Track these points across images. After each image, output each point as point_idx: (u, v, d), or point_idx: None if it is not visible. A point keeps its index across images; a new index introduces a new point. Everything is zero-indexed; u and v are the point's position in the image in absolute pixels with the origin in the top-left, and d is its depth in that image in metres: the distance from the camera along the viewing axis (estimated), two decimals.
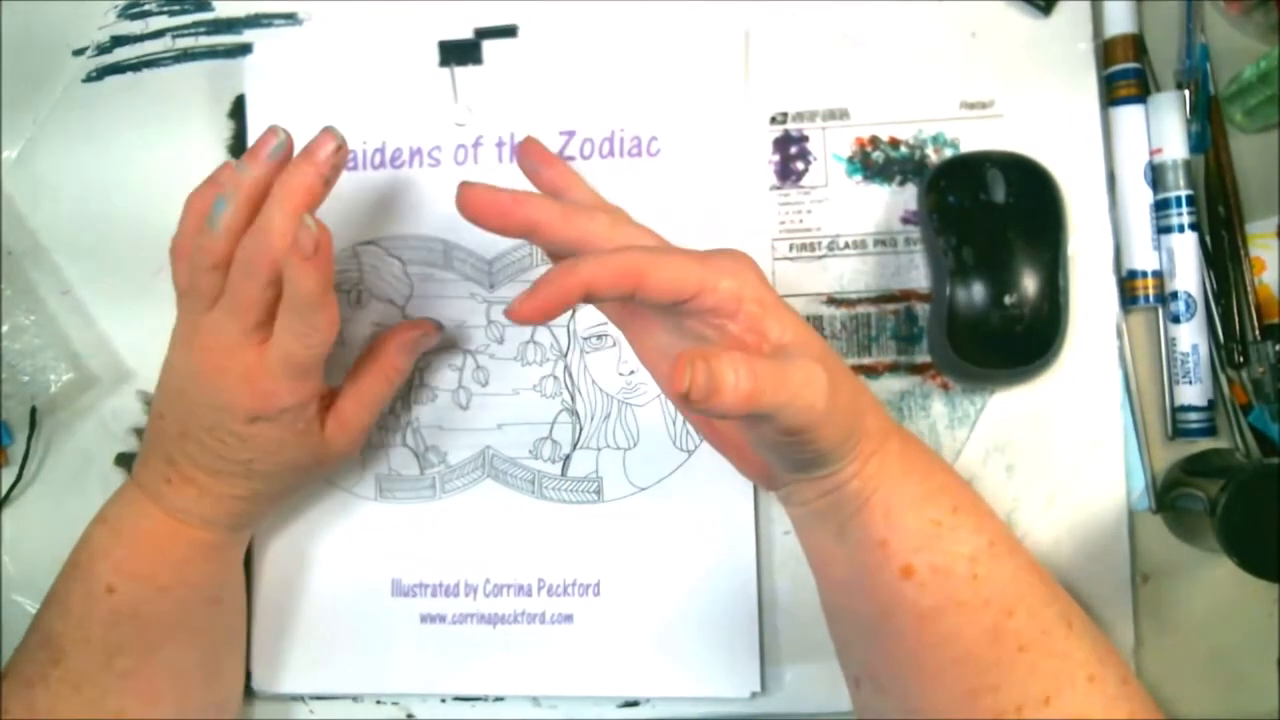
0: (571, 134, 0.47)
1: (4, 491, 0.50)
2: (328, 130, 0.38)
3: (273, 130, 0.39)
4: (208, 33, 0.51)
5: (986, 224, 0.43)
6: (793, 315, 0.36)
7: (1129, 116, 0.45)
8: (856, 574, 0.38)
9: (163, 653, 0.42)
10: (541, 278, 0.33)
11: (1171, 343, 0.44)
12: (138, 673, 0.41)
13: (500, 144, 0.48)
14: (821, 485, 0.37)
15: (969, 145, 0.46)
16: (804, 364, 0.33)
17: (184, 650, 0.43)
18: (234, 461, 0.41)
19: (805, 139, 0.47)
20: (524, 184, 0.47)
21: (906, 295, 0.46)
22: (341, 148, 0.38)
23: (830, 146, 0.47)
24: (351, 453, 0.45)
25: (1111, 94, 0.45)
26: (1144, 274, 0.44)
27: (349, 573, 0.48)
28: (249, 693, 0.48)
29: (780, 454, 0.36)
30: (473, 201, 0.36)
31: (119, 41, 0.51)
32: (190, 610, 0.43)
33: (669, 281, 0.34)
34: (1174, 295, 0.44)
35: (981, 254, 0.43)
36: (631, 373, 0.46)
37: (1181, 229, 0.44)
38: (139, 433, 0.50)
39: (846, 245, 0.46)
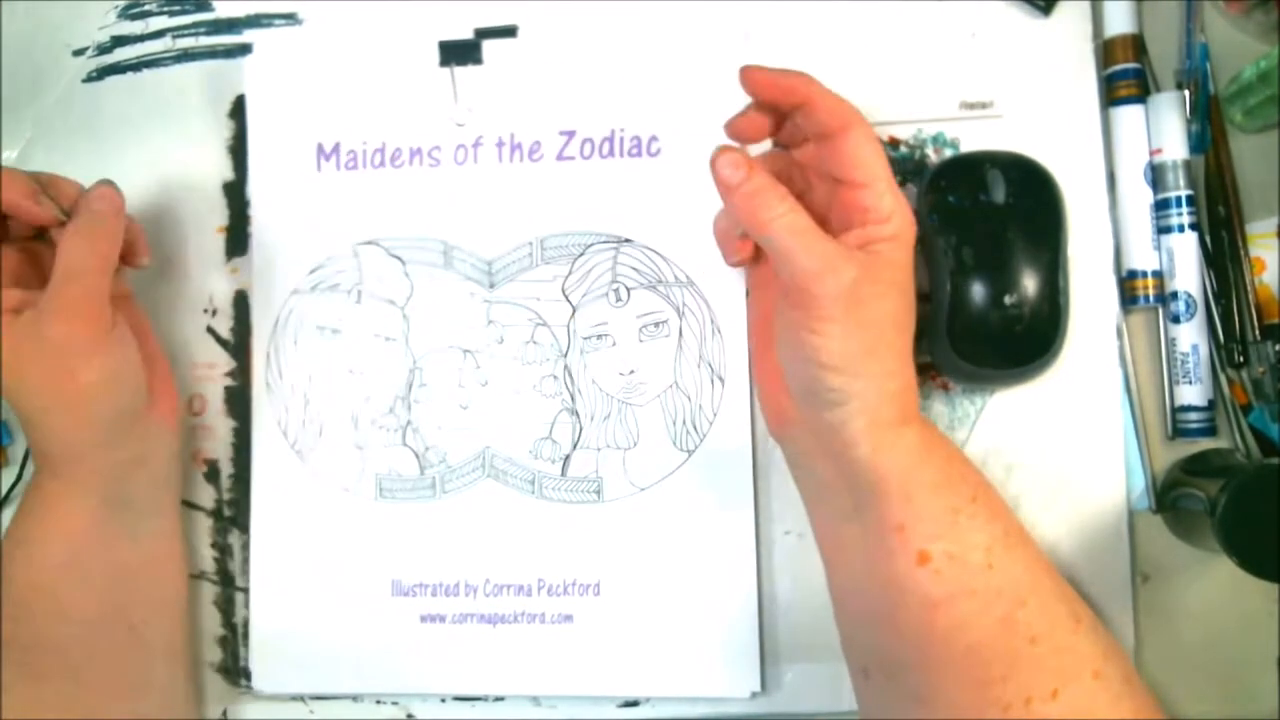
0: (571, 134, 0.47)
1: (4, 491, 0.50)
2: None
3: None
4: (208, 33, 0.51)
5: (986, 224, 0.43)
6: (900, 261, 0.38)
7: (1129, 116, 0.45)
8: (869, 559, 0.38)
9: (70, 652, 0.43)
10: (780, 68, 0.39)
11: (1171, 343, 0.44)
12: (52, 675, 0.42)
13: (500, 144, 0.48)
14: (829, 441, 0.38)
15: (969, 145, 0.46)
16: (845, 255, 0.36)
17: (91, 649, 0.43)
18: (63, 441, 0.42)
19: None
20: (518, 185, 0.48)
21: None
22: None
23: None
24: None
25: (1111, 94, 0.45)
26: (1144, 274, 0.44)
27: (349, 573, 0.48)
28: (250, 692, 0.48)
29: (788, 344, 0.38)
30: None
31: (119, 42, 0.51)
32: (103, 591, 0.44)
33: (858, 154, 0.38)
34: (1174, 295, 0.44)
35: (981, 254, 0.43)
36: (631, 373, 0.46)
37: (1181, 229, 0.44)
38: None
39: None
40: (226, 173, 0.50)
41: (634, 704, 0.46)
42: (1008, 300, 0.42)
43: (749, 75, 0.39)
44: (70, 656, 0.42)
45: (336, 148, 0.49)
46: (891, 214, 0.37)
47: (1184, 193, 0.44)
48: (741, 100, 0.46)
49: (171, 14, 0.51)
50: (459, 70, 0.48)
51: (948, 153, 0.46)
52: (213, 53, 0.51)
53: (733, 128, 0.41)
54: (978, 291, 0.42)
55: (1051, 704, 0.35)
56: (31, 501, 0.43)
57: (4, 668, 0.40)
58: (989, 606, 0.36)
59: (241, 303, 0.49)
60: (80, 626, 0.42)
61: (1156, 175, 0.44)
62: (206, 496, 0.49)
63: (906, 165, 0.46)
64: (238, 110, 0.50)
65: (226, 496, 0.49)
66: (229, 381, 0.49)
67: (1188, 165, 0.44)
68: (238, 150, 0.50)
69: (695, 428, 0.46)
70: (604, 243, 0.47)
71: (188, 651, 0.47)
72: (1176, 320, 0.44)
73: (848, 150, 0.37)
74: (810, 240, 0.36)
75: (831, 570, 0.41)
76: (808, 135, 0.40)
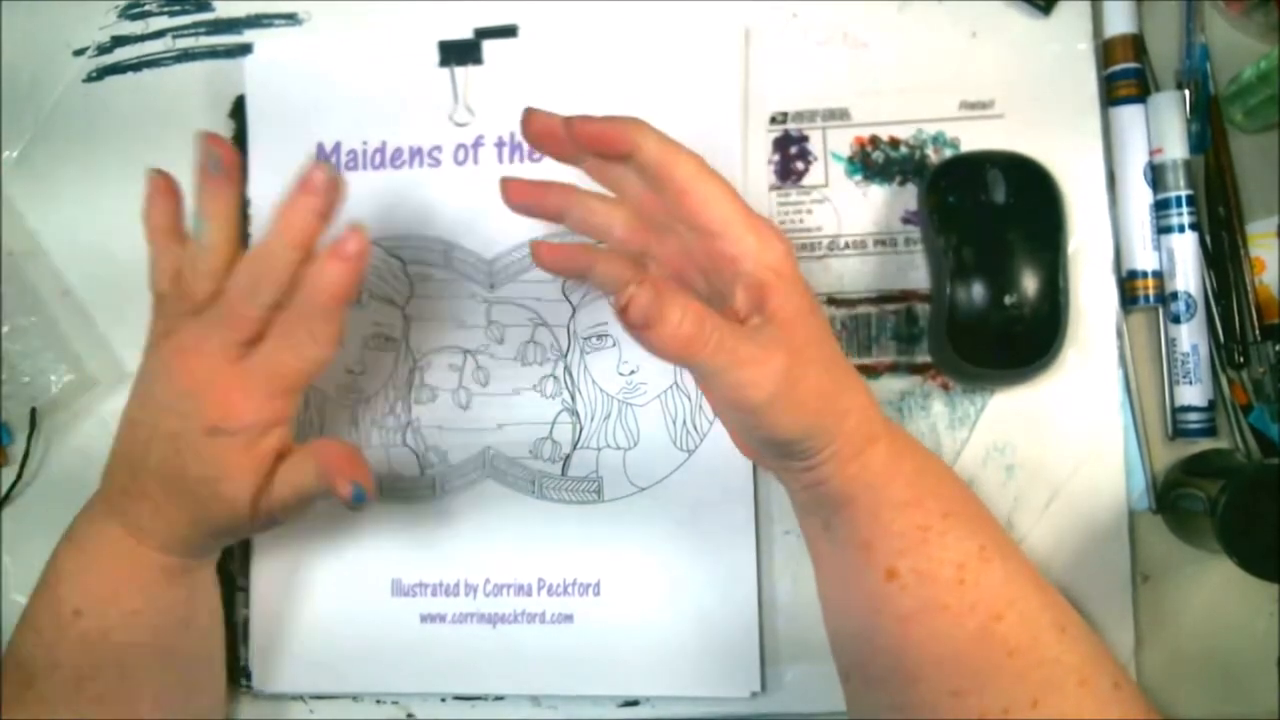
0: None
1: (4, 491, 0.50)
2: (318, 165, 0.37)
3: (206, 142, 0.38)
4: (208, 33, 0.51)
5: (986, 224, 0.43)
6: (800, 299, 0.36)
7: (1129, 116, 0.45)
8: (844, 570, 0.39)
9: (137, 676, 0.41)
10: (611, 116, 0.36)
11: (1171, 343, 0.44)
12: (112, 697, 0.40)
13: (500, 144, 0.48)
14: (800, 479, 0.38)
15: (969, 145, 0.46)
16: (762, 343, 0.34)
17: (159, 672, 0.42)
18: (186, 479, 0.39)
19: (805, 139, 0.47)
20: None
21: (906, 295, 0.46)
22: (334, 181, 0.37)
23: (830, 146, 0.47)
24: (283, 517, 0.41)
25: (1111, 94, 0.45)
26: (1144, 274, 0.44)
27: (349, 572, 0.48)
28: (250, 692, 0.48)
29: (743, 432, 0.38)
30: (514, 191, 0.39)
31: (119, 42, 0.51)
32: (162, 633, 0.42)
33: (710, 201, 0.35)
34: (1174, 295, 0.44)
35: (981, 254, 0.43)
36: (632, 373, 0.46)
37: (1181, 229, 0.44)
38: None
39: (846, 245, 0.46)
40: None
41: (634, 704, 0.46)
42: (1008, 300, 0.42)
43: (581, 129, 0.36)
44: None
45: (336, 148, 0.49)
46: (760, 253, 0.35)
47: (1184, 193, 0.44)
48: (741, 101, 0.47)
49: (171, 14, 0.51)
50: (459, 70, 0.48)
51: (948, 153, 0.46)
52: (213, 53, 0.51)
53: (534, 127, 0.38)
54: (978, 291, 0.42)
55: (1031, 713, 0.35)
56: (107, 547, 0.41)
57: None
58: (961, 621, 0.36)
59: None
60: (130, 656, 0.41)
61: (1156, 175, 0.44)
62: None
63: (906, 165, 0.46)
64: (238, 110, 0.50)
65: None
66: None
67: (1188, 165, 0.44)
68: (238, 150, 0.50)
69: (695, 428, 0.46)
70: (604, 242, 0.47)
71: (223, 662, 0.46)
72: (1176, 320, 0.44)
73: (696, 202, 0.35)
74: (735, 356, 0.33)
75: (816, 576, 0.41)
76: (647, 186, 0.37)
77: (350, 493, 0.38)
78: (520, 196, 0.41)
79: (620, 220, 0.40)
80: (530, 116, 0.38)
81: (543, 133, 0.38)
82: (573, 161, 0.39)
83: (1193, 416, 0.43)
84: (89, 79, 0.51)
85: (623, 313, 0.31)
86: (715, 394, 0.36)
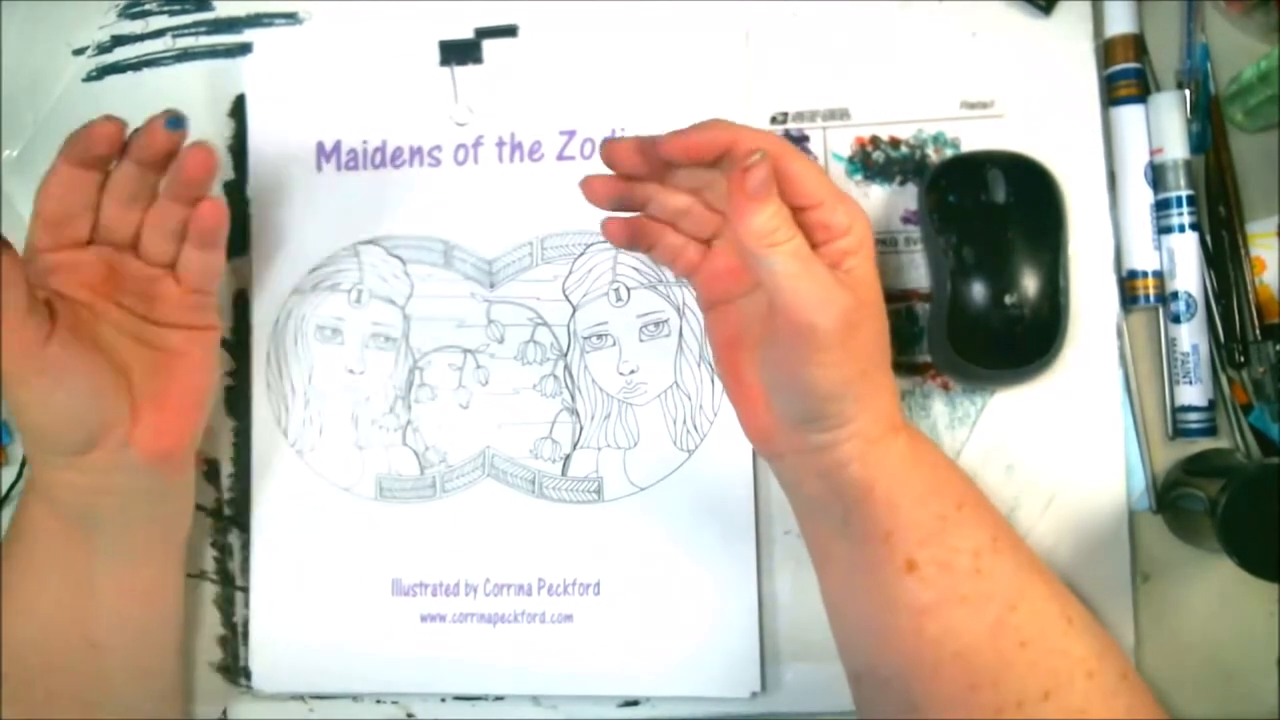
0: (572, 134, 0.47)
1: (4, 491, 0.50)
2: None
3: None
4: (208, 32, 0.51)
5: (987, 224, 0.43)
6: (872, 268, 0.37)
7: (1129, 116, 0.45)
8: (859, 569, 0.38)
9: None
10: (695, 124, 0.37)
11: (1172, 343, 0.44)
12: None
13: (500, 144, 0.48)
14: (819, 461, 0.37)
15: (969, 145, 0.46)
16: (838, 276, 0.35)
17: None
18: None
19: (805, 139, 0.47)
20: (519, 185, 0.48)
21: (906, 295, 0.46)
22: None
23: (830, 146, 0.47)
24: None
25: (1112, 94, 0.45)
26: (1144, 274, 0.44)
27: (349, 572, 0.48)
28: (250, 692, 0.48)
29: (787, 381, 0.37)
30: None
31: (119, 41, 0.51)
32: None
33: (804, 176, 0.36)
34: (1174, 295, 0.44)
35: (982, 254, 0.43)
36: (632, 372, 0.46)
37: (1182, 229, 0.44)
38: None
39: None
40: (226, 173, 0.50)
41: (634, 704, 0.46)
42: (1008, 300, 0.42)
43: (674, 145, 0.37)
44: (25, 660, 0.42)
45: (336, 147, 0.49)
46: (851, 225, 0.36)
47: (1184, 193, 0.44)
48: (741, 101, 0.47)
49: (171, 13, 0.51)
50: (459, 70, 0.48)
51: (948, 153, 0.46)
52: (213, 52, 0.51)
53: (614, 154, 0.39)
54: (978, 291, 0.42)
55: (1044, 705, 0.35)
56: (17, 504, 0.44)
57: None
58: (979, 612, 0.36)
59: (241, 302, 0.49)
60: (35, 630, 0.42)
61: (1157, 175, 0.44)
62: (207, 496, 0.49)
63: (906, 165, 0.46)
64: (238, 110, 0.50)
65: (226, 496, 0.49)
66: (229, 381, 0.49)
67: (1188, 165, 0.44)
68: (238, 150, 0.50)
69: (695, 427, 0.46)
70: (604, 242, 0.47)
71: (167, 679, 0.46)
72: (1177, 320, 0.44)
73: (791, 177, 0.36)
74: (814, 267, 0.35)
75: (823, 581, 0.41)
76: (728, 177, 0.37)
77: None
78: (608, 192, 0.40)
79: (694, 205, 0.40)
80: (612, 149, 0.38)
81: (625, 160, 0.39)
82: (649, 177, 0.39)
83: (1193, 416, 0.43)
84: (89, 78, 0.51)
85: (743, 173, 0.33)
86: (780, 317, 0.35)
